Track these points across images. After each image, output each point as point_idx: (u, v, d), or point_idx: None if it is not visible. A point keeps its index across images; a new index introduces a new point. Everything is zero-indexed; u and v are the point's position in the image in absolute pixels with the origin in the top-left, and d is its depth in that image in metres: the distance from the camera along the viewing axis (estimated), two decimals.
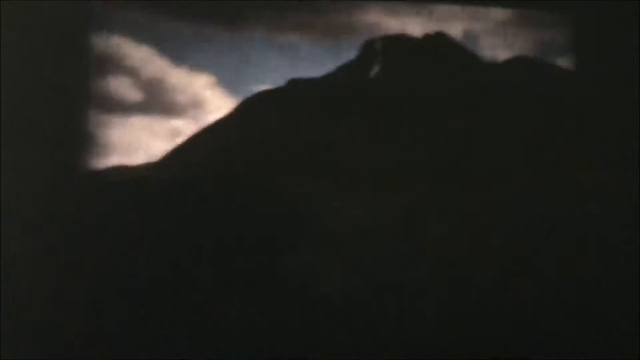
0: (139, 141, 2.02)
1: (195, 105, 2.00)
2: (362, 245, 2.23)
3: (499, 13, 2.44)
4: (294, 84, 2.02)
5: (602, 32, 2.69)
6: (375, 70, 2.18)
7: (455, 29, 2.27)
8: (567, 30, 2.68)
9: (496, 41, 2.38)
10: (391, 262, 2.29)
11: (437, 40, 2.24)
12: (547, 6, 2.65)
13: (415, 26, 2.18)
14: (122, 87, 2.04)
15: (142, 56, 1.97)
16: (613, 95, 2.69)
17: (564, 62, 2.71)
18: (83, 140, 2.11)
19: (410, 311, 2.41)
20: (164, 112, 2.01)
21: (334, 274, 2.23)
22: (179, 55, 2.01)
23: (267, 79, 2.03)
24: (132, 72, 2.03)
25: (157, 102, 2.06)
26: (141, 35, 2.00)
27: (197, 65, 1.98)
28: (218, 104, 2.00)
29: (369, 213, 2.17)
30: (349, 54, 2.15)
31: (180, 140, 2.02)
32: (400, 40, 2.20)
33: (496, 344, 2.50)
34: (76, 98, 2.12)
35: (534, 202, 2.56)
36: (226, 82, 1.97)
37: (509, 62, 2.46)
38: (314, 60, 2.09)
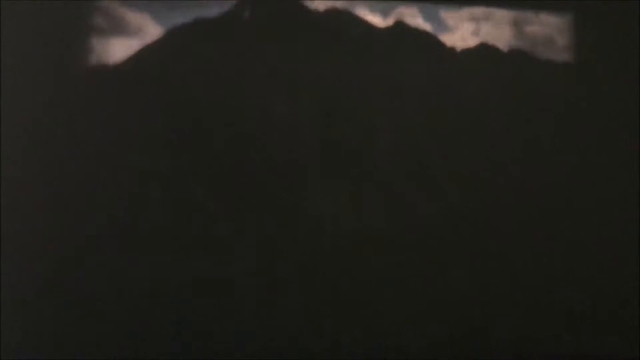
0: None
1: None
2: None
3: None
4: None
5: (602, 32, 2.71)
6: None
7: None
8: (567, 30, 2.73)
9: None
10: None
11: None
12: (547, 6, 2.73)
13: None
14: None
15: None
16: (613, 95, 2.69)
17: (563, 61, 2.76)
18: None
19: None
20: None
21: None
22: None
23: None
24: None
25: None
26: None
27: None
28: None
29: None
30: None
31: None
32: None
33: (495, 345, 2.59)
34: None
35: (531, 201, 2.69)
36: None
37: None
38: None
